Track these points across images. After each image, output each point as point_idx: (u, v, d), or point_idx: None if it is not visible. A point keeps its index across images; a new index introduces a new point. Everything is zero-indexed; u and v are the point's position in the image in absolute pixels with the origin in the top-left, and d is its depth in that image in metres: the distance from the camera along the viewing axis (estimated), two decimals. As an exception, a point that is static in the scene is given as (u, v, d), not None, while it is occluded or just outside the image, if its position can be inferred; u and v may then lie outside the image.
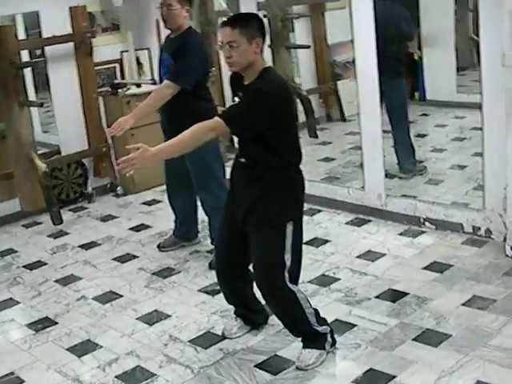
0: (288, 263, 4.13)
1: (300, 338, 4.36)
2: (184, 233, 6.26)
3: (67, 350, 4.73)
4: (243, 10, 7.01)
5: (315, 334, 4.28)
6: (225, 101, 8.12)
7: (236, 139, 4.21)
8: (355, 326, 4.64)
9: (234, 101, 4.20)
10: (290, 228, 4.11)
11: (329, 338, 4.32)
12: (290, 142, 4.16)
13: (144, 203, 7.52)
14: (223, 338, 4.66)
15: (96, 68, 7.69)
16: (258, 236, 4.18)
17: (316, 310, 4.29)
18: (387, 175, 6.52)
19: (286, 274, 4.14)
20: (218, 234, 4.66)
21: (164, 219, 6.74)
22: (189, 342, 4.68)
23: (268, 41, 8.14)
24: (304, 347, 4.30)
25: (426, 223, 6.03)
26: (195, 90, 5.54)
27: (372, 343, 4.41)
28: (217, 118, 3.98)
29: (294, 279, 4.23)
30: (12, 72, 6.70)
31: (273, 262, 4.15)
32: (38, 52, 7.66)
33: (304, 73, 9.00)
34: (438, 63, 8.49)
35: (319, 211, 6.68)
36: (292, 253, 4.14)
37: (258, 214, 4.14)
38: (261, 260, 4.20)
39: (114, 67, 7.96)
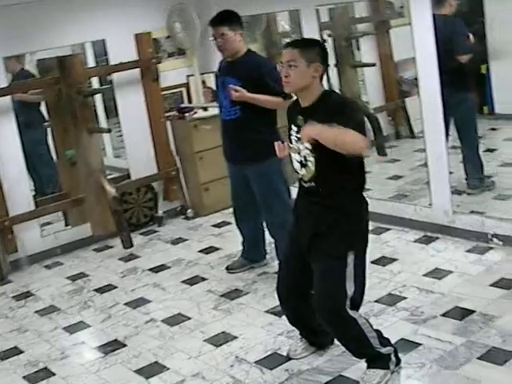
0: (349, 292, 4.12)
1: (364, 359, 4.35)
2: (252, 255, 6.29)
3: (135, 371, 4.81)
4: (306, 30, 7.05)
5: (379, 356, 4.26)
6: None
7: (309, 166, 4.18)
8: (420, 344, 4.59)
9: (290, 130, 4.25)
10: (351, 257, 4.10)
11: (393, 358, 4.29)
12: (361, 160, 4.18)
13: (214, 225, 7.58)
14: (289, 358, 4.67)
15: (163, 93, 7.81)
16: (321, 265, 4.19)
17: (378, 332, 4.25)
18: (455, 191, 6.45)
19: (348, 302, 4.13)
20: (282, 259, 4.67)
21: (233, 241, 6.77)
22: (255, 363, 4.70)
23: (333, 60, 8.28)
24: (368, 367, 4.28)
25: (494, 239, 5.94)
26: (264, 115, 5.61)
27: (437, 362, 4.36)
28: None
29: (356, 306, 4.21)
30: (79, 100, 6.83)
31: (334, 292, 4.15)
32: (110, 78, 7.82)
33: (371, 91, 8.97)
34: (506, 76, 8.38)
35: (387, 230, 6.64)
36: (355, 282, 4.13)
37: (322, 243, 4.15)
38: (322, 289, 4.20)
39: (181, 91, 8.07)
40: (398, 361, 4.34)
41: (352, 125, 3.89)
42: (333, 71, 8.26)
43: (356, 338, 4.20)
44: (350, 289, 4.11)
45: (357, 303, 4.20)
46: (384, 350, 4.24)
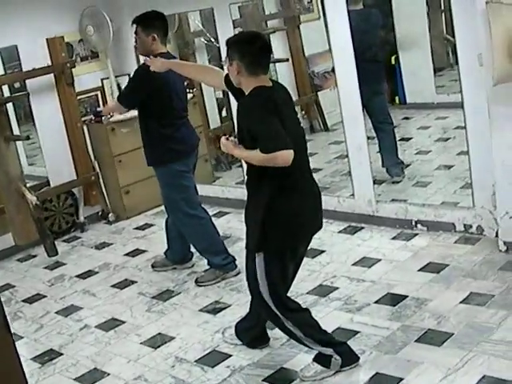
0: (263, 292, 4.16)
1: None
2: (175, 255, 6.28)
3: (75, 380, 4.75)
4: (219, 29, 7.08)
5: (319, 353, 4.29)
6: (208, 122, 8.19)
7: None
8: (358, 332, 4.68)
9: None
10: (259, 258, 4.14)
11: (336, 359, 4.23)
12: None
13: (137, 228, 7.54)
14: (229, 355, 4.69)
15: (78, 97, 7.70)
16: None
17: (313, 333, 4.24)
18: (376, 181, 6.57)
19: (269, 300, 4.17)
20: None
21: (158, 243, 6.75)
22: (195, 361, 4.71)
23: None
24: (313, 360, 4.30)
25: (418, 225, 6.08)
26: (156, 116, 5.63)
27: (376, 348, 4.46)
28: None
29: (282, 306, 4.21)
30: (-6, 108, 6.70)
31: (251, 283, 4.27)
32: (17, 85, 7.68)
33: (284, 86, 9.06)
34: (415, 66, 8.60)
35: (311, 222, 6.70)
36: (268, 284, 4.15)
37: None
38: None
39: (96, 95, 7.98)
40: (348, 361, 4.27)
41: None
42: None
43: (288, 334, 4.28)
44: (264, 290, 4.16)
45: (283, 303, 4.22)
46: (322, 350, 4.24)
